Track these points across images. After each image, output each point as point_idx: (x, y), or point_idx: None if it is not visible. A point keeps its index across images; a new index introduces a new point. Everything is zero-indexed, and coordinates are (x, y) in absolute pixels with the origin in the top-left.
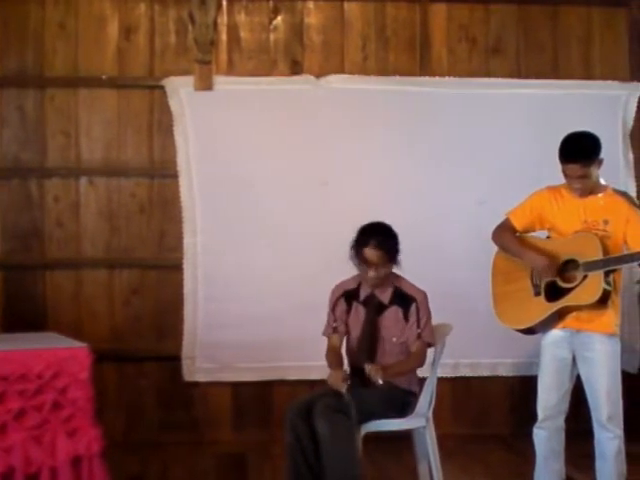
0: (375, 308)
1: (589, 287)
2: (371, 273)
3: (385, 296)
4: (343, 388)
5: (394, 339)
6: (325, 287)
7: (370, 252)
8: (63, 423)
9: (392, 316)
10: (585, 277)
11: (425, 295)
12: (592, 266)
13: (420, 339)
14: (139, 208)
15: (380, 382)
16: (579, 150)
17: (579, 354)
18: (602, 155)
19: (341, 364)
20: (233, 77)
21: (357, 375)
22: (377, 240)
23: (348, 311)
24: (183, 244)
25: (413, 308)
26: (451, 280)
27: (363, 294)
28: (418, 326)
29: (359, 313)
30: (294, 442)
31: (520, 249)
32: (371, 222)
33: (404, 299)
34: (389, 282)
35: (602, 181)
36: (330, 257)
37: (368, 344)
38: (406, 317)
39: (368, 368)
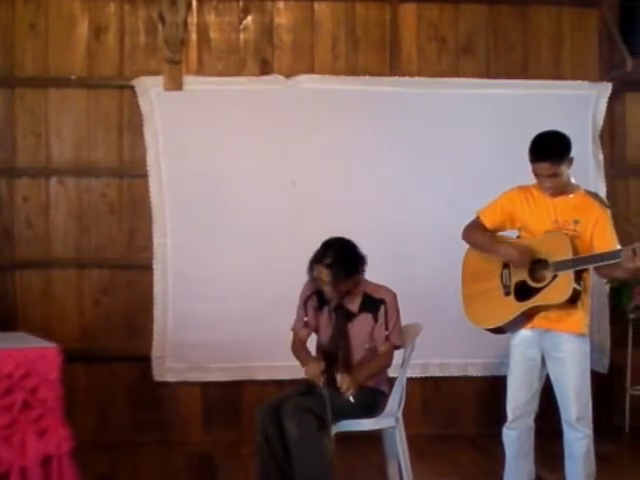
0: (344, 317)
1: (559, 287)
2: (326, 289)
3: (354, 305)
4: (321, 381)
5: (366, 345)
6: (295, 287)
7: (321, 271)
8: (33, 423)
9: (362, 323)
10: (555, 277)
11: (394, 296)
12: (562, 266)
13: (388, 341)
14: (109, 208)
15: (352, 400)
16: (549, 149)
17: (548, 354)
18: (572, 154)
19: (314, 357)
20: (203, 77)
21: (327, 380)
22: (328, 260)
23: (319, 309)
24: (153, 244)
25: (382, 310)
26: (420, 280)
27: (333, 301)
28: (386, 328)
29: (330, 317)
30: (263, 442)
31: (492, 244)
32: (331, 238)
33: (373, 303)
34: (358, 290)
35: (573, 181)
36: (300, 256)
37: (341, 354)
38: (375, 319)
39: (340, 381)
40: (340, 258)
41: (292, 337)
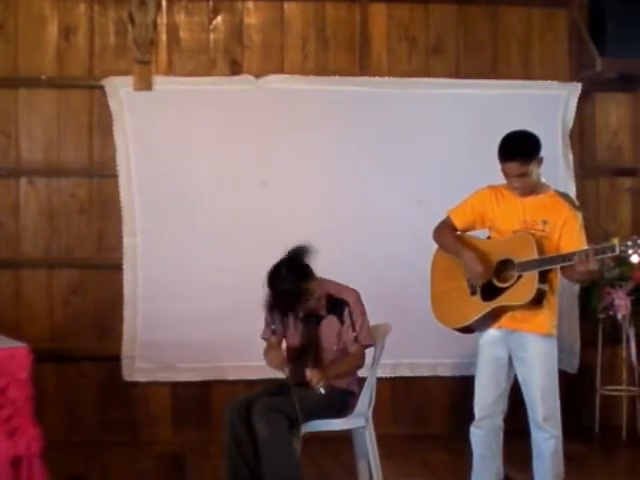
0: (314, 320)
1: (523, 287)
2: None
3: (321, 308)
4: (284, 368)
5: (334, 347)
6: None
7: (279, 300)
8: (3, 423)
9: (330, 325)
10: (520, 277)
11: (357, 295)
12: (526, 266)
13: (357, 342)
14: (79, 208)
15: (322, 391)
16: (517, 148)
17: (515, 354)
18: (542, 154)
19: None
20: (172, 77)
21: (297, 382)
22: (281, 289)
23: (285, 316)
24: (123, 244)
25: (346, 312)
26: (390, 280)
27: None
28: (354, 329)
29: (296, 322)
30: (232, 441)
31: (459, 248)
32: (279, 261)
33: (336, 305)
34: (321, 292)
35: (544, 181)
36: (270, 256)
37: (312, 357)
38: (341, 321)
39: (309, 374)
40: (289, 285)
41: (265, 345)
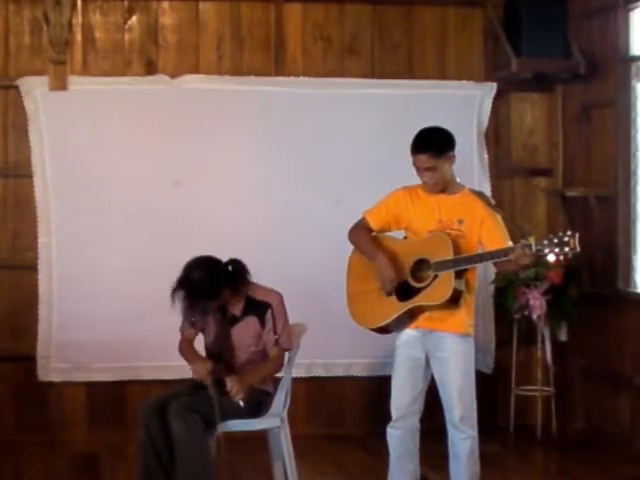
0: (228, 321)
1: (439, 287)
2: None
3: (237, 309)
4: (208, 380)
5: (252, 348)
6: None
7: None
8: None
9: (247, 327)
10: (436, 277)
11: (280, 298)
12: (442, 266)
13: (277, 345)
14: None
15: (241, 404)
16: (428, 142)
17: (432, 354)
18: (456, 152)
19: (202, 356)
20: (88, 77)
21: (213, 381)
22: (188, 290)
23: (205, 311)
24: (38, 244)
25: (268, 314)
26: (306, 279)
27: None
28: (275, 332)
29: (215, 319)
30: (146, 440)
31: (372, 251)
32: (188, 265)
33: (258, 307)
34: (240, 294)
35: (458, 181)
36: (185, 256)
37: (225, 357)
38: (262, 323)
39: (230, 385)
40: (199, 288)
41: (180, 337)
